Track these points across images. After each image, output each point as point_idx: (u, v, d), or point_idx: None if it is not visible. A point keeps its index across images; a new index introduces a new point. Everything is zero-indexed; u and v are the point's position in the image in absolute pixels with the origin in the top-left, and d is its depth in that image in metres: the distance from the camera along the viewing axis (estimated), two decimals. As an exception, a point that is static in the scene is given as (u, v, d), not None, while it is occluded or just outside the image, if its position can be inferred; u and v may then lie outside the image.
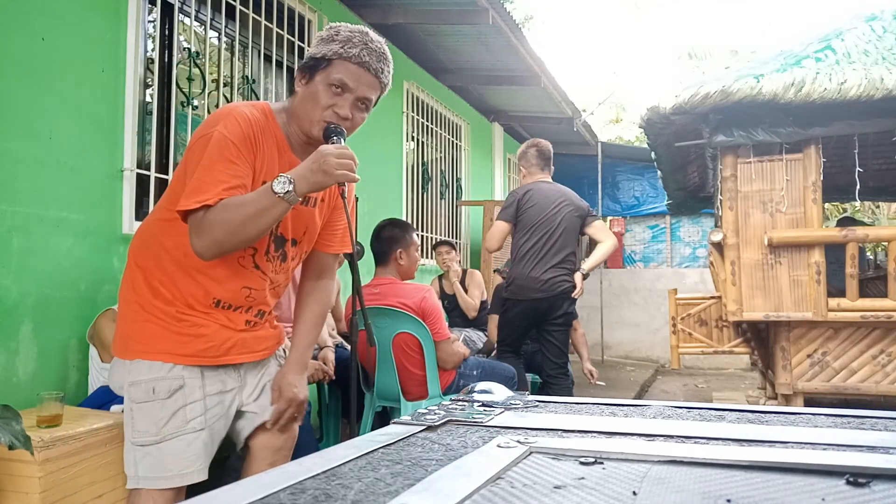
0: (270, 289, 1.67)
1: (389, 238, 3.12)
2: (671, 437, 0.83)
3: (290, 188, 1.40)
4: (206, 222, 1.42)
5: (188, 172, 1.48)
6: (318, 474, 0.66)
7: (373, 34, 1.58)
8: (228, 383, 1.64)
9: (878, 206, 10.36)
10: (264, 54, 4.08)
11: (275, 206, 1.41)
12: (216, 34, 3.70)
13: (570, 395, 3.73)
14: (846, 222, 5.62)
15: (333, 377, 3.06)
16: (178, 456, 1.51)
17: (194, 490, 1.51)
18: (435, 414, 0.95)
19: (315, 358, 3.03)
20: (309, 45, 4.35)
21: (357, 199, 2.77)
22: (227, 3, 3.59)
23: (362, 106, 1.58)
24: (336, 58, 1.52)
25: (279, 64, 4.15)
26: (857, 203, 9.49)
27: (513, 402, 1.05)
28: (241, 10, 3.71)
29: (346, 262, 2.57)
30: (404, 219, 5.55)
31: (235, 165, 1.46)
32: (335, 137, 1.50)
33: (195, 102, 3.45)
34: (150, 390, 1.52)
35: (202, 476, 1.55)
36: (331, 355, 3.08)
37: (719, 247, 4.06)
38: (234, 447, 1.83)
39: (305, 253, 1.77)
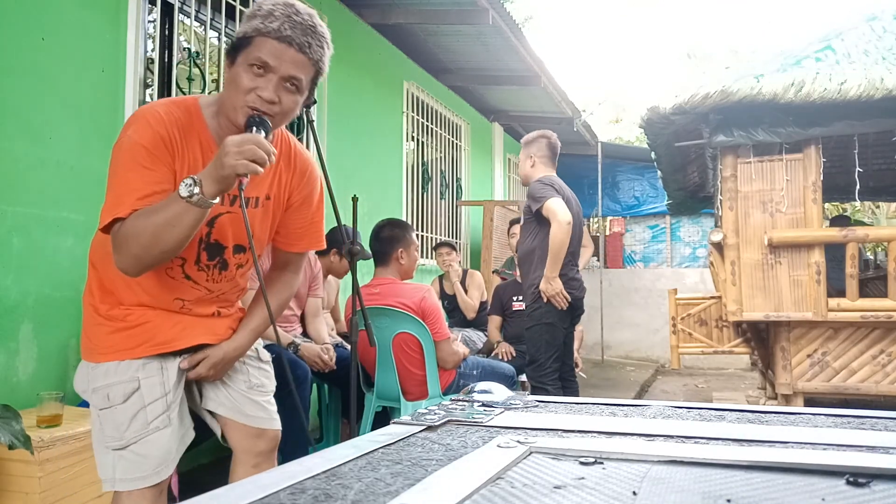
0: (207, 295, 1.57)
1: (390, 238, 3.11)
2: (671, 437, 0.83)
3: (196, 190, 1.25)
4: (121, 237, 1.32)
5: (108, 184, 1.39)
6: (318, 474, 0.66)
7: (300, 5, 1.41)
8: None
9: (877, 206, 10.36)
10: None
11: (186, 212, 1.27)
12: (216, 34, 3.70)
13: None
14: (839, 221, 5.63)
15: (334, 367, 3.05)
16: (149, 456, 1.48)
17: (196, 488, 1.51)
18: (435, 414, 0.95)
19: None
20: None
21: (356, 198, 2.77)
22: (227, 3, 3.59)
23: (291, 87, 1.40)
24: (256, 34, 1.36)
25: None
26: (857, 203, 9.49)
27: (513, 402, 1.05)
28: (240, 10, 3.71)
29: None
30: (404, 219, 5.56)
31: (149, 171, 1.35)
32: (255, 129, 1.33)
33: (195, 102, 3.44)
34: (105, 397, 1.47)
35: (172, 467, 1.52)
36: (332, 349, 3.09)
37: (719, 247, 4.06)
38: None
39: (261, 256, 1.65)
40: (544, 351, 3.31)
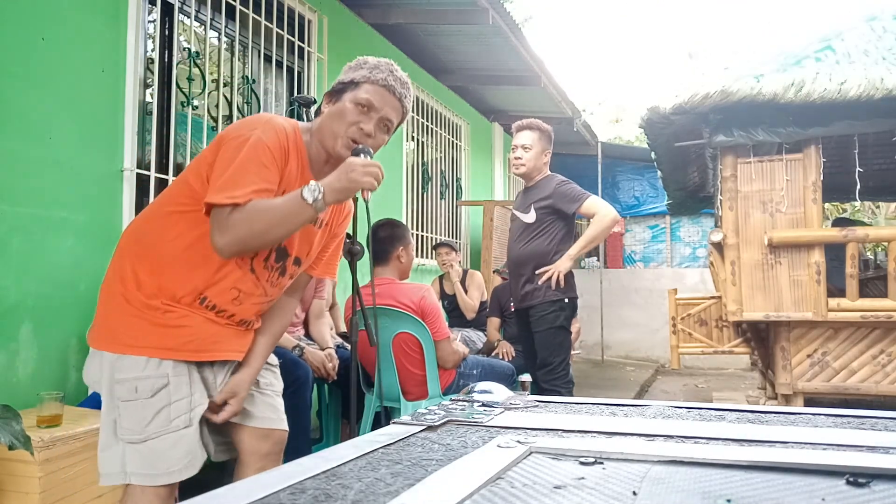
0: (260, 298, 1.66)
1: (389, 237, 3.11)
2: (671, 437, 0.83)
3: (319, 196, 1.45)
4: (231, 220, 1.44)
5: (216, 169, 1.50)
6: (318, 474, 0.66)
7: (397, 66, 1.70)
8: (219, 377, 1.64)
9: (878, 206, 10.36)
10: (264, 54, 4.08)
11: (302, 211, 1.46)
12: (216, 34, 3.70)
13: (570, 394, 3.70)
14: (841, 223, 5.63)
15: (335, 377, 3.07)
16: (164, 455, 1.50)
17: (195, 489, 1.51)
18: (435, 414, 0.95)
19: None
20: (309, 45, 4.36)
21: (356, 198, 2.77)
22: (227, 3, 3.59)
23: (384, 128, 1.65)
24: (364, 81, 1.61)
25: (279, 64, 4.15)
26: (857, 203, 9.49)
27: (513, 402, 1.05)
28: (241, 10, 3.71)
29: (345, 262, 2.57)
30: (404, 219, 5.56)
31: (268, 170, 1.51)
32: (363, 155, 1.56)
33: (195, 102, 3.44)
34: (133, 389, 1.50)
35: (191, 472, 1.53)
36: (335, 357, 3.09)
37: (719, 247, 4.06)
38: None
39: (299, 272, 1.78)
40: (557, 354, 3.29)
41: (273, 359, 1.84)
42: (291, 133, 1.60)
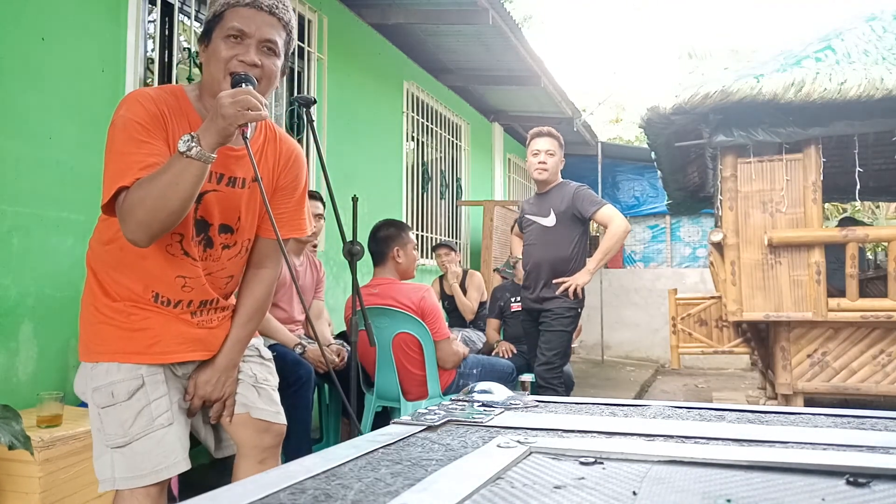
0: (207, 277, 1.59)
1: (386, 237, 3.12)
2: (671, 437, 0.83)
3: (194, 143, 1.31)
4: (126, 206, 1.36)
5: (106, 163, 1.44)
6: (318, 474, 0.66)
7: None
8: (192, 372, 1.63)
9: (878, 206, 10.36)
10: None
11: (186, 168, 1.32)
12: (216, 34, 3.69)
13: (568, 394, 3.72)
14: (847, 222, 5.63)
15: (325, 370, 3.04)
16: (150, 454, 1.49)
17: (196, 488, 1.51)
18: (435, 414, 0.95)
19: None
20: (309, 45, 4.36)
21: (356, 198, 2.77)
22: (227, 3, 3.58)
23: (269, 51, 1.48)
24: (226, 8, 1.47)
25: (279, 64, 4.14)
26: (857, 203, 9.49)
27: (513, 402, 1.05)
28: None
29: (345, 262, 2.57)
30: (404, 219, 5.56)
31: (147, 143, 1.41)
32: (243, 85, 1.40)
33: (195, 102, 3.44)
34: (109, 394, 1.49)
35: (182, 468, 1.53)
36: (343, 350, 3.08)
37: (719, 247, 4.06)
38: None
39: (249, 241, 1.68)
40: (562, 356, 3.44)
41: (266, 353, 1.81)
42: (169, 98, 1.49)
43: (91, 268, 1.58)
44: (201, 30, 1.51)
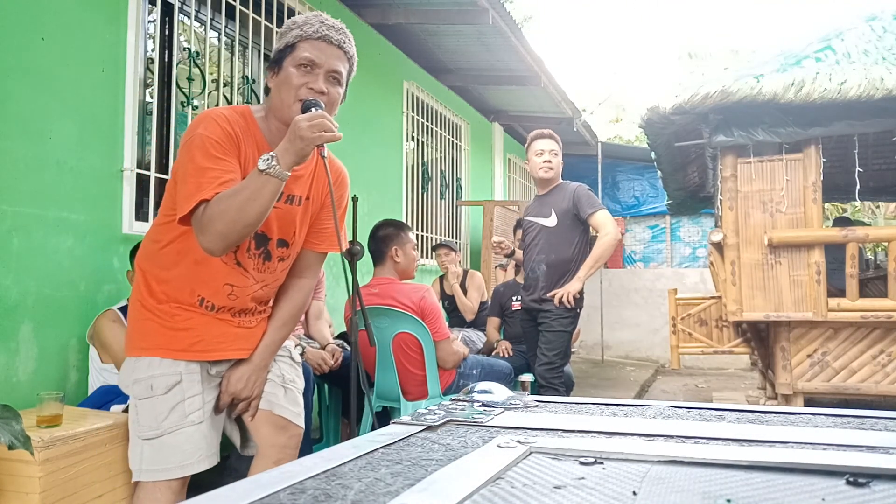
0: (256, 287, 1.69)
1: (385, 237, 3.12)
2: (671, 437, 0.83)
3: (273, 162, 1.43)
4: (206, 218, 1.46)
5: (178, 180, 1.53)
6: (318, 474, 0.66)
7: (326, 14, 1.65)
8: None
9: (877, 206, 10.36)
10: (264, 54, 4.08)
11: (265, 184, 1.43)
12: (216, 34, 3.70)
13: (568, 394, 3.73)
14: (842, 222, 5.63)
15: (325, 371, 3.04)
16: (178, 448, 1.56)
17: (196, 489, 1.51)
18: (435, 414, 0.95)
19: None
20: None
21: (356, 198, 2.77)
22: (227, 3, 3.58)
23: (334, 80, 1.61)
24: (298, 40, 1.58)
25: (279, 64, 4.14)
26: (857, 203, 9.49)
27: (513, 402, 1.05)
28: (241, 10, 3.71)
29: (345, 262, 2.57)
30: (404, 219, 5.56)
31: (223, 160, 1.51)
32: (313, 109, 1.51)
33: (195, 102, 3.44)
34: (148, 387, 1.58)
35: (206, 465, 1.61)
36: (339, 351, 3.09)
37: (719, 247, 4.05)
38: (233, 446, 1.84)
39: (297, 254, 1.78)
40: (562, 356, 3.46)
41: (297, 356, 1.90)
42: (239, 119, 1.59)
43: (140, 267, 1.67)
44: (272, 58, 1.63)
